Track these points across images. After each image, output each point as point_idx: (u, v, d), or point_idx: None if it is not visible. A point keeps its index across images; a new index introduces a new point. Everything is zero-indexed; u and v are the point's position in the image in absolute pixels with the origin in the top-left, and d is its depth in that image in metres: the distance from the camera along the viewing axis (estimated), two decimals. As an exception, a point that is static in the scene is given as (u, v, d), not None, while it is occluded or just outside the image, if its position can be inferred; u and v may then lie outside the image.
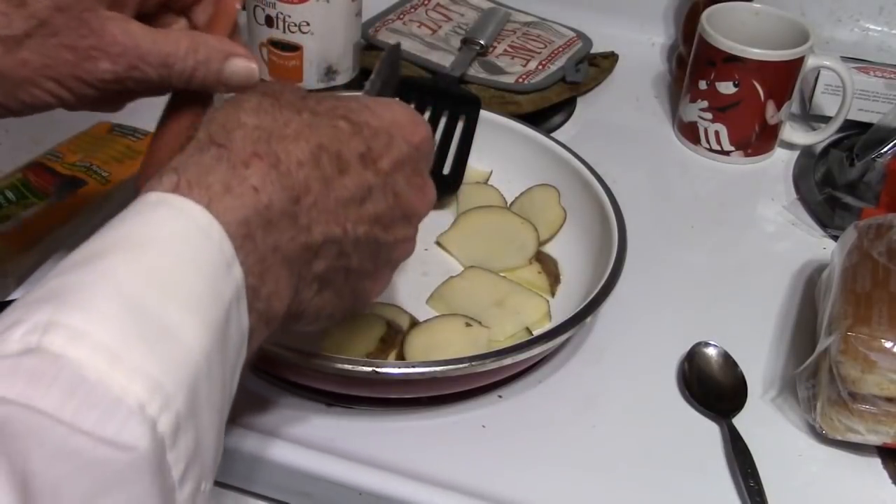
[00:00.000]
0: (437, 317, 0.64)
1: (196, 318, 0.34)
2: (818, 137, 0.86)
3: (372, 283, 0.49)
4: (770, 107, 0.83)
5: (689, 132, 0.87)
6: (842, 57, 0.86)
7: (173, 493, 0.32)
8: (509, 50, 0.93)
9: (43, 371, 0.29)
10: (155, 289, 0.33)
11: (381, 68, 0.59)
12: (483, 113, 0.78)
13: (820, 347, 0.59)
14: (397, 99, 0.50)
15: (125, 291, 0.32)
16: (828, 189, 0.81)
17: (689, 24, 0.91)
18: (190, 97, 0.52)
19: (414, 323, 0.64)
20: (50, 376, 0.29)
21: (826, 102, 0.89)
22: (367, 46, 0.90)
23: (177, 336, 0.33)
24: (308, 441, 0.56)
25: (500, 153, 0.77)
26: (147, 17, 0.52)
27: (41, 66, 0.47)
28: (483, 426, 0.60)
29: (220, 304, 0.35)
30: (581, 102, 0.92)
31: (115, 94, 0.50)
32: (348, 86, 0.83)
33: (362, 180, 0.44)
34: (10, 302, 0.54)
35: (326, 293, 0.45)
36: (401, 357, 0.61)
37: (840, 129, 0.85)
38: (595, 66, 0.94)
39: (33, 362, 0.29)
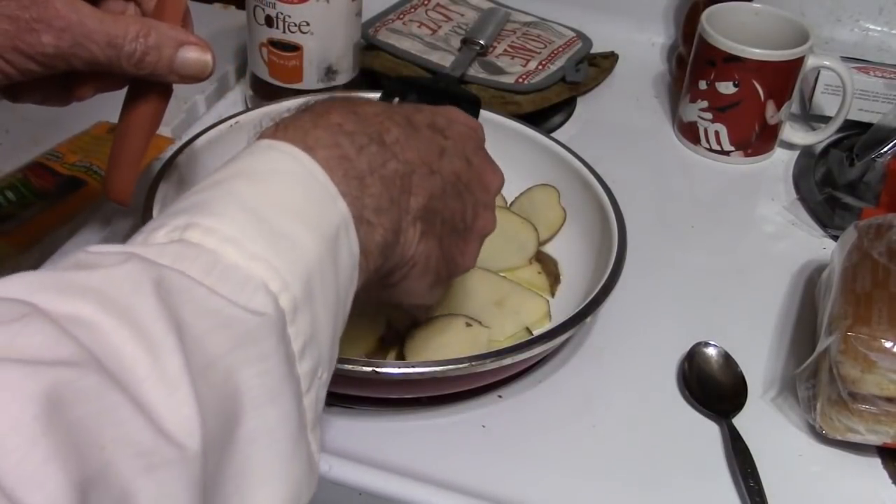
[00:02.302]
0: (437, 317, 0.64)
1: (309, 230, 0.38)
2: (818, 137, 0.86)
3: (464, 244, 0.51)
4: (770, 107, 0.83)
5: (689, 132, 0.87)
6: (842, 57, 0.86)
7: (294, 361, 0.36)
8: (509, 50, 0.93)
9: (185, 254, 0.34)
10: (273, 205, 0.37)
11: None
12: (483, 113, 0.77)
13: (820, 347, 0.59)
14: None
15: (248, 205, 0.37)
16: (828, 189, 0.81)
17: (689, 24, 0.91)
18: (146, 89, 0.52)
19: (414, 323, 0.64)
20: (191, 258, 0.34)
21: (826, 102, 0.89)
22: (367, 46, 0.90)
23: (292, 240, 0.37)
24: (308, 441, 0.56)
25: (500, 153, 0.77)
26: (94, 1, 0.51)
27: None
28: (483, 426, 0.60)
29: (330, 225, 0.39)
30: (581, 102, 0.92)
31: (63, 77, 0.50)
32: (348, 86, 0.83)
33: (435, 139, 0.47)
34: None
35: (429, 241, 0.47)
36: (401, 357, 0.61)
37: (840, 129, 0.85)
38: (595, 66, 0.94)
39: (177, 248, 0.34)
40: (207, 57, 0.52)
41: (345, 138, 0.42)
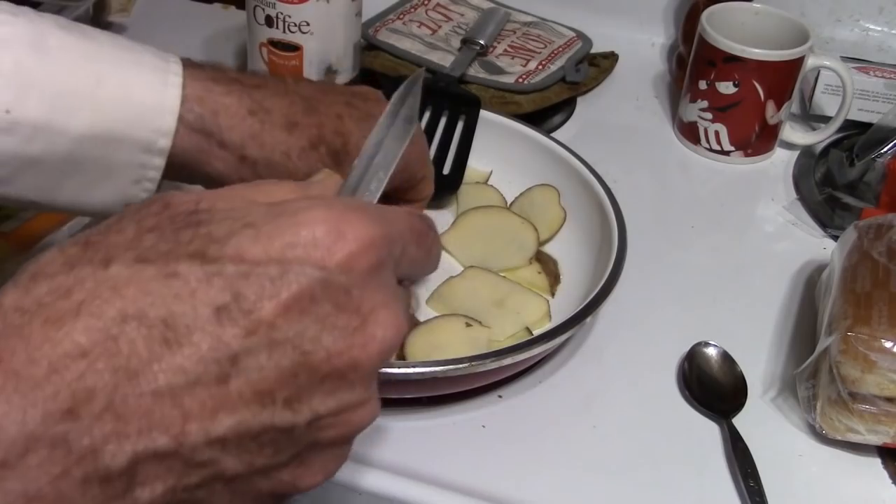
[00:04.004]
0: (437, 317, 0.64)
1: None
2: (818, 137, 0.86)
3: (299, 472, 0.34)
4: (770, 107, 0.83)
5: (689, 132, 0.87)
6: (842, 57, 0.86)
7: None
8: (509, 50, 0.93)
9: None
10: None
11: (400, 99, 0.43)
12: (483, 113, 0.78)
13: (820, 347, 0.59)
14: (329, 196, 0.37)
15: None
16: (828, 189, 0.81)
17: (689, 24, 0.91)
18: None
19: (415, 323, 0.64)
20: None
21: (826, 102, 0.89)
22: (367, 46, 0.90)
23: None
24: (308, 441, 0.56)
25: (500, 153, 0.77)
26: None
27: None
28: (483, 426, 0.60)
29: None
30: (581, 102, 0.92)
31: None
32: (348, 86, 0.83)
33: (219, 346, 0.30)
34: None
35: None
36: (401, 357, 0.61)
37: (840, 129, 0.85)
38: (595, 66, 0.94)
39: None
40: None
41: None
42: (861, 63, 0.90)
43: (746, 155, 0.86)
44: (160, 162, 0.48)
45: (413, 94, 0.43)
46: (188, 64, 0.50)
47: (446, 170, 0.76)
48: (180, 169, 0.49)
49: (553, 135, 0.77)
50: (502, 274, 0.69)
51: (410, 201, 0.64)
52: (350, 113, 0.54)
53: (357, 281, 0.32)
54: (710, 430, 0.61)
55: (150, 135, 0.47)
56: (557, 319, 0.62)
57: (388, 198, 0.58)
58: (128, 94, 0.47)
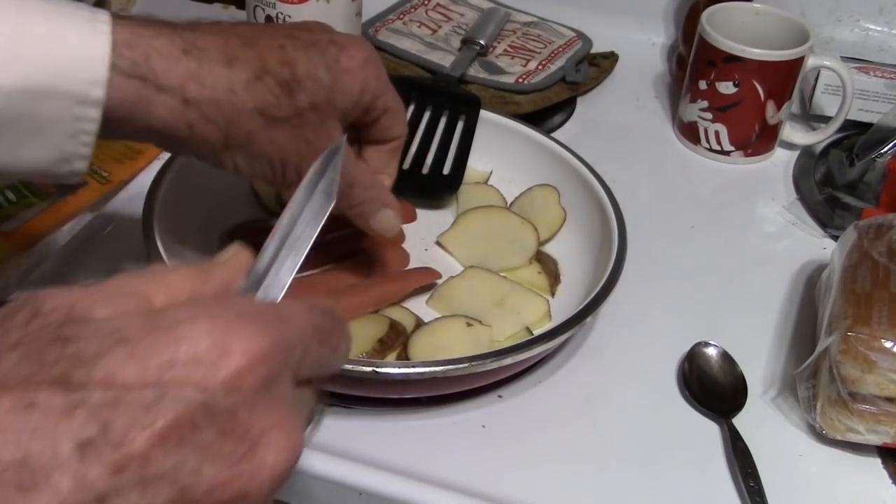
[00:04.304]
0: (438, 318, 0.64)
1: None
2: (818, 137, 0.86)
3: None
4: (770, 107, 0.83)
5: (689, 132, 0.87)
6: (842, 57, 0.86)
7: None
8: (509, 50, 0.93)
9: None
10: None
11: (318, 171, 0.40)
12: (483, 113, 0.78)
13: (820, 347, 0.59)
14: (220, 297, 0.33)
15: None
16: (828, 189, 0.81)
17: (689, 24, 0.91)
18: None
19: (419, 324, 0.64)
20: None
21: (826, 102, 0.89)
22: (367, 46, 0.90)
23: None
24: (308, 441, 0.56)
25: (500, 153, 0.77)
26: None
27: (280, 147, 0.52)
28: (483, 426, 0.60)
29: None
30: (581, 102, 0.92)
31: None
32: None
33: (82, 487, 0.26)
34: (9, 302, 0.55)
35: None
36: (404, 358, 0.61)
37: (840, 129, 0.85)
38: (595, 66, 0.94)
39: None
40: (397, 222, 0.62)
41: None
42: (861, 63, 0.90)
43: (746, 155, 0.86)
44: (95, 113, 0.46)
45: (333, 166, 0.39)
46: (116, 15, 0.47)
47: (446, 170, 0.76)
48: (123, 124, 0.47)
49: (553, 135, 0.77)
50: (502, 274, 0.69)
51: (377, 142, 0.60)
52: (293, 43, 0.52)
53: (245, 401, 0.29)
54: (710, 430, 0.61)
55: (81, 86, 0.45)
56: (557, 319, 0.62)
57: (351, 140, 0.58)
58: (54, 44, 0.44)
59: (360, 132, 0.60)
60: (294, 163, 0.53)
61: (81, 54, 0.45)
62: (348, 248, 0.68)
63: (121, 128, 0.48)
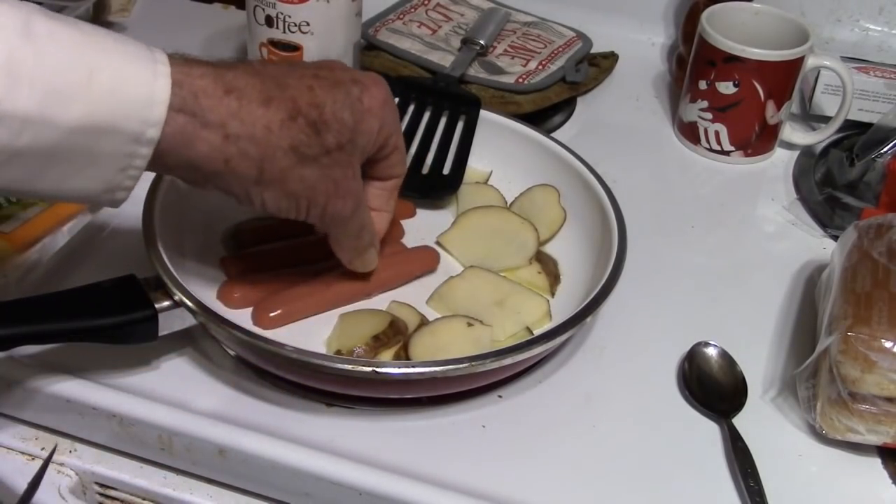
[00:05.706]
0: (439, 318, 0.64)
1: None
2: (818, 137, 0.86)
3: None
4: (770, 107, 0.83)
5: (689, 132, 0.87)
6: (842, 57, 0.86)
7: None
8: (509, 50, 0.93)
9: None
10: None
11: None
12: (483, 113, 0.78)
13: (820, 347, 0.59)
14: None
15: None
16: (828, 189, 0.81)
17: (689, 24, 0.91)
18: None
19: (423, 323, 0.64)
20: None
21: (826, 102, 0.89)
22: (367, 46, 0.90)
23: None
24: (308, 441, 0.56)
25: (500, 153, 0.77)
26: None
27: (310, 186, 0.54)
28: (483, 426, 0.60)
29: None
30: (581, 102, 0.92)
31: None
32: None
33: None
34: (10, 301, 0.55)
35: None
36: (404, 357, 0.61)
37: (840, 129, 0.85)
38: (595, 66, 0.94)
39: None
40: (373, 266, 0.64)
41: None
42: (861, 63, 0.90)
43: (746, 155, 0.86)
44: (147, 151, 0.48)
45: None
46: (169, 55, 0.50)
47: (446, 170, 0.76)
48: (163, 156, 0.49)
49: (553, 135, 0.77)
50: (502, 274, 0.68)
51: (381, 179, 0.63)
52: (320, 84, 0.55)
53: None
54: (710, 430, 0.61)
55: (139, 125, 0.47)
56: (557, 319, 0.62)
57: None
58: (120, 85, 0.46)
59: (365, 168, 0.61)
60: (320, 202, 0.55)
61: (144, 96, 0.47)
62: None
63: (160, 159, 0.49)
